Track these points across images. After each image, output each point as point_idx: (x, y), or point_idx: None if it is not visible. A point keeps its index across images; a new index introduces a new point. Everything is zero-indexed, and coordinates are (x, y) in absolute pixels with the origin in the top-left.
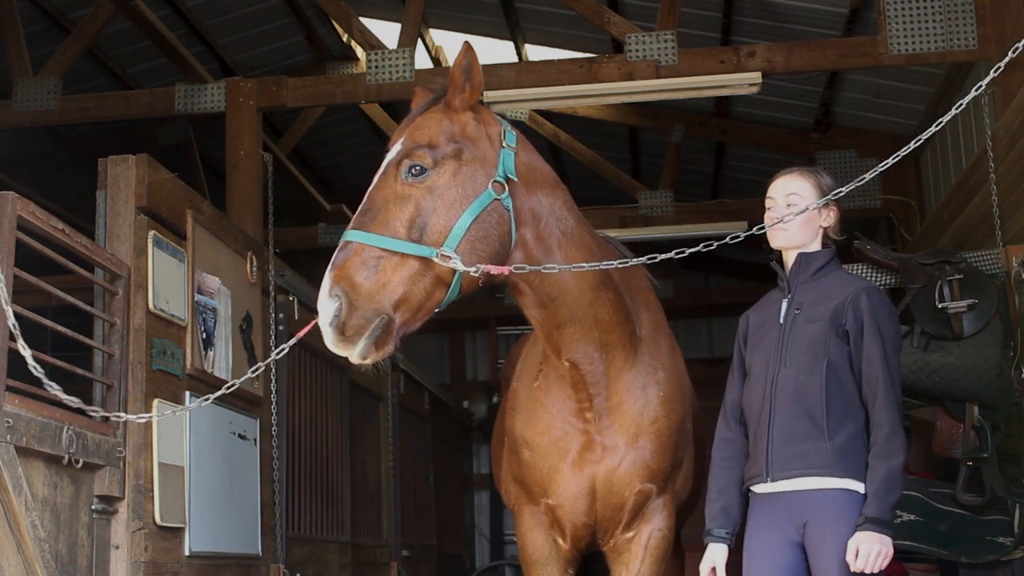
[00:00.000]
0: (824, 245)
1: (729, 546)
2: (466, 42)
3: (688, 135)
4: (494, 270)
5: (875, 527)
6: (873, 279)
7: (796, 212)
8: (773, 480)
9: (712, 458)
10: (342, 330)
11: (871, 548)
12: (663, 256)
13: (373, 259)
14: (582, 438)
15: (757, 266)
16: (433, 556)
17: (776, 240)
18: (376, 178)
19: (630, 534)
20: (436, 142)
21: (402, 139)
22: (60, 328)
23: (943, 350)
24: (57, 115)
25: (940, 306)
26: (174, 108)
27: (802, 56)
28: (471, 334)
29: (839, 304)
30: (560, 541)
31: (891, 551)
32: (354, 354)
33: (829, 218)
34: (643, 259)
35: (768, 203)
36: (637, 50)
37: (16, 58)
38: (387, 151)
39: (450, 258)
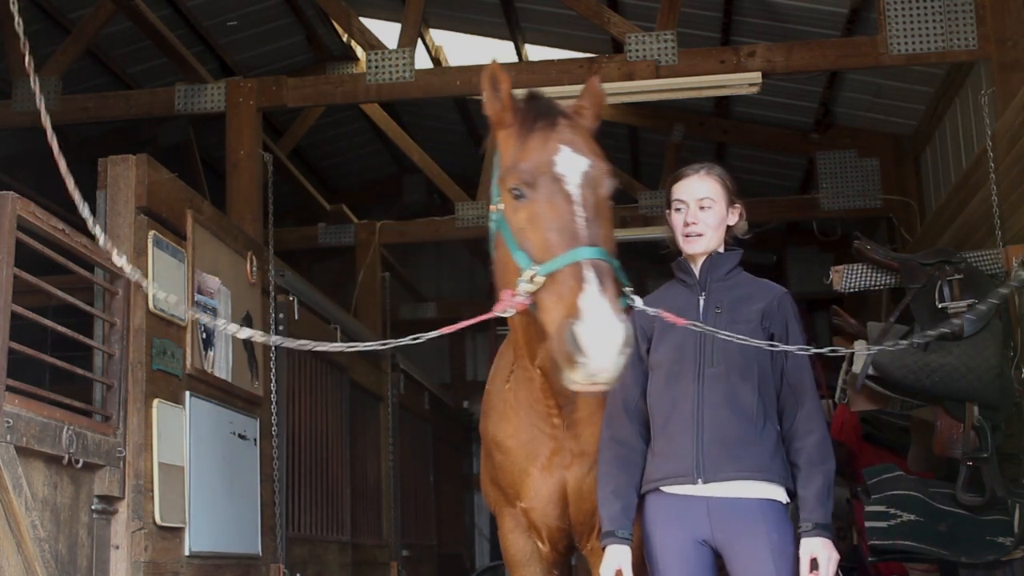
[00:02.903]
0: (727, 245)
1: (630, 547)
2: (592, 80)
3: (688, 135)
4: (669, 318)
5: (824, 533)
6: (873, 279)
7: (710, 221)
8: (705, 482)
9: (601, 458)
10: (627, 354)
11: (830, 555)
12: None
13: (613, 278)
14: (551, 443)
15: (757, 266)
16: (433, 556)
17: (694, 247)
18: (580, 188)
19: None
20: (609, 165)
21: (589, 152)
22: (60, 328)
23: (943, 350)
24: (57, 115)
25: (940, 306)
26: (174, 108)
27: (802, 56)
28: (471, 334)
29: (766, 307)
30: (539, 544)
31: (838, 556)
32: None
33: (733, 217)
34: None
35: (676, 205)
36: (637, 50)
37: (16, 58)
38: (556, 150)
39: (638, 300)
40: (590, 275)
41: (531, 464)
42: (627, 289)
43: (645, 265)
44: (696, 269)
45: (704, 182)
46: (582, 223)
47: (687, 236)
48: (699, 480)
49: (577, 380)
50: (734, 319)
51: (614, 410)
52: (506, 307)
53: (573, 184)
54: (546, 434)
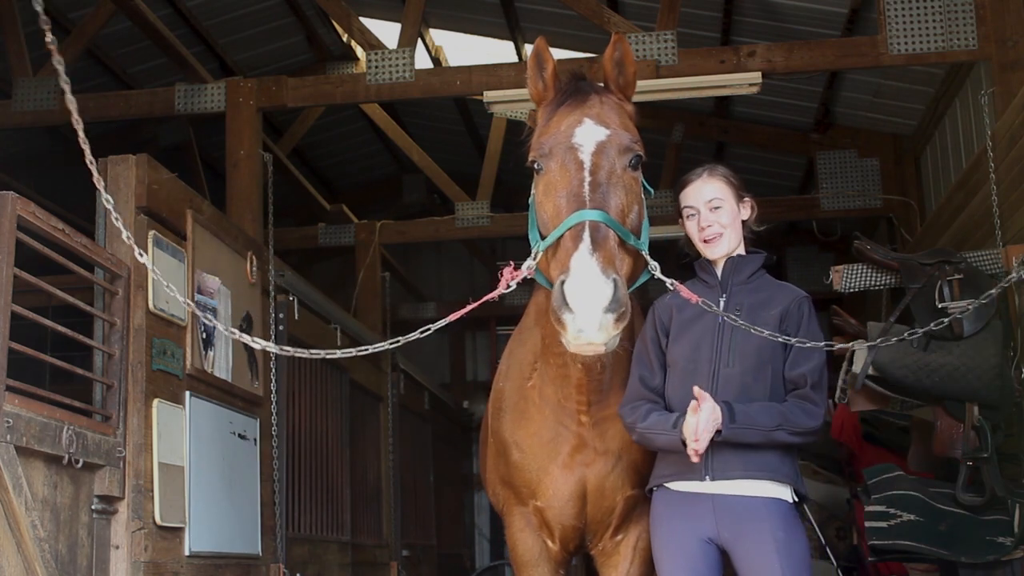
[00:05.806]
0: (746, 241)
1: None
2: (617, 34)
3: (688, 135)
4: (684, 292)
5: (727, 414)
6: (873, 279)
7: (722, 221)
8: (713, 479)
9: (638, 415)
10: (620, 317)
11: (712, 416)
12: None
13: (617, 243)
14: (574, 440)
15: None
16: (433, 556)
17: (716, 251)
18: (592, 156)
19: (619, 537)
20: (637, 137)
21: (613, 123)
22: (60, 328)
23: (943, 350)
24: (57, 115)
25: (940, 306)
26: (174, 108)
27: (802, 56)
28: (471, 334)
29: (784, 310)
30: (549, 543)
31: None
32: (608, 343)
33: (745, 211)
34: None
35: (688, 212)
36: (637, 50)
37: (16, 58)
38: (578, 123)
39: (656, 267)
40: (585, 235)
41: (551, 462)
42: (651, 264)
43: None
44: (718, 270)
45: (709, 183)
46: (587, 188)
47: (706, 241)
48: (707, 477)
49: (568, 339)
50: (752, 322)
51: (636, 392)
52: (506, 284)
53: (587, 152)
54: (571, 431)
